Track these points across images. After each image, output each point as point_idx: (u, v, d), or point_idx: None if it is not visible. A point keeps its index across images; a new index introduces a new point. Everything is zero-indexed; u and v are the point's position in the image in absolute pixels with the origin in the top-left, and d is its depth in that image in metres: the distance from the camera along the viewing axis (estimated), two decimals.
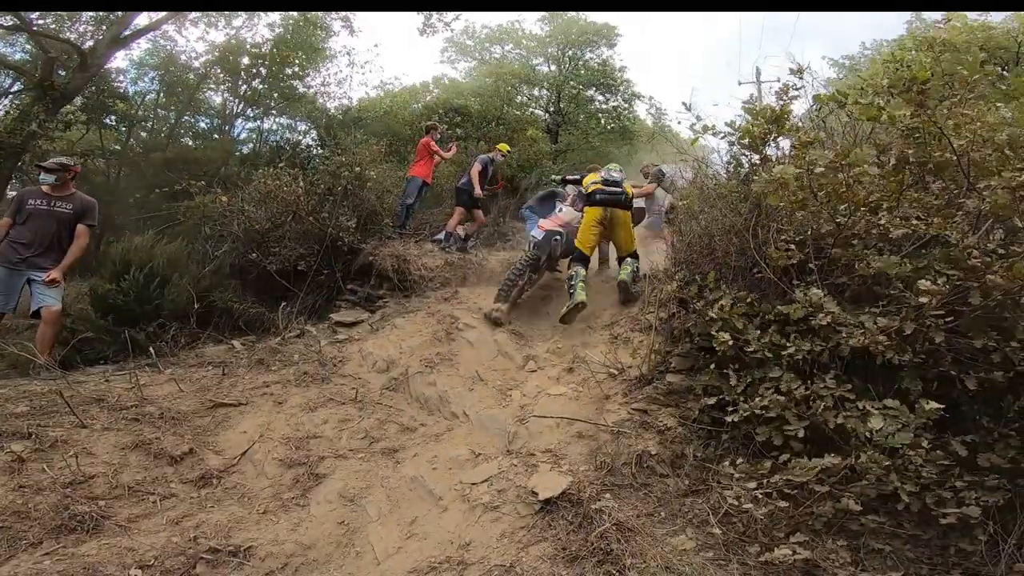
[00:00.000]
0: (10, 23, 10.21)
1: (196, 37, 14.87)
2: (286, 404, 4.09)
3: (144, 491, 3.12)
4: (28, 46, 11.70)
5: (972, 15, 12.59)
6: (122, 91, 12.63)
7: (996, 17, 12.53)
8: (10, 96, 11.90)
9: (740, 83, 17.25)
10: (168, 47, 13.95)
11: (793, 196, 2.55)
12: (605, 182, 5.41)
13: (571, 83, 19.60)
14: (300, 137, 15.03)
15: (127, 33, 11.26)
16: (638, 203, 6.22)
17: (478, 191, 7.71)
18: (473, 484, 2.96)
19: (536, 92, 20.19)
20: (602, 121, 19.16)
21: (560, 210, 6.09)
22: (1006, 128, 2.14)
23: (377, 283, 6.58)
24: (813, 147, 2.57)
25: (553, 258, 5.71)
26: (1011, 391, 2.09)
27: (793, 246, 2.83)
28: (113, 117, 12.40)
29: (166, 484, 3.21)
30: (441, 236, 7.61)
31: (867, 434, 2.02)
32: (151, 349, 4.55)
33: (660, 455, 2.77)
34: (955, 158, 2.25)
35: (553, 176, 8.47)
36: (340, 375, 4.67)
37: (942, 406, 1.99)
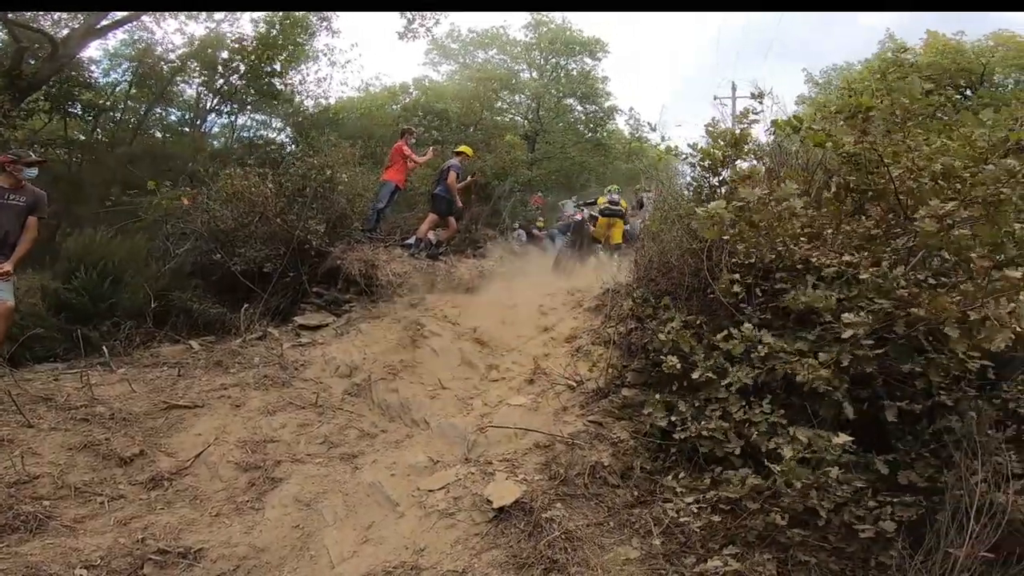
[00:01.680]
0: None
1: (174, 29, 14.53)
2: (244, 407, 4.05)
3: (91, 492, 3.06)
4: (2, 35, 11.27)
5: (949, 34, 13.29)
6: (90, 81, 12.22)
7: (972, 36, 13.25)
8: None
9: (716, 98, 17.59)
10: (145, 38, 13.63)
11: (731, 230, 2.70)
12: (609, 202, 8.67)
13: (552, 91, 19.89)
14: (274, 135, 14.80)
15: (104, 23, 10.94)
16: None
17: (460, 203, 8.09)
18: (430, 491, 3.00)
19: (517, 98, 20.40)
20: (581, 130, 19.45)
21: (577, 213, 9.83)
22: (940, 158, 2.32)
23: (344, 287, 6.54)
24: (749, 181, 2.72)
25: (585, 240, 8.55)
26: (927, 416, 2.27)
27: (740, 272, 2.98)
28: (79, 106, 11.98)
29: (114, 485, 3.15)
30: (411, 241, 7.61)
31: (780, 466, 2.17)
32: (104, 348, 4.43)
33: (612, 467, 2.87)
34: (892, 186, 2.43)
35: (576, 203, 11.20)
36: (301, 379, 4.65)
37: (851, 438, 2.16)
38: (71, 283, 4.85)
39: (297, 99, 14.68)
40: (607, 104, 19.75)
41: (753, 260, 3.00)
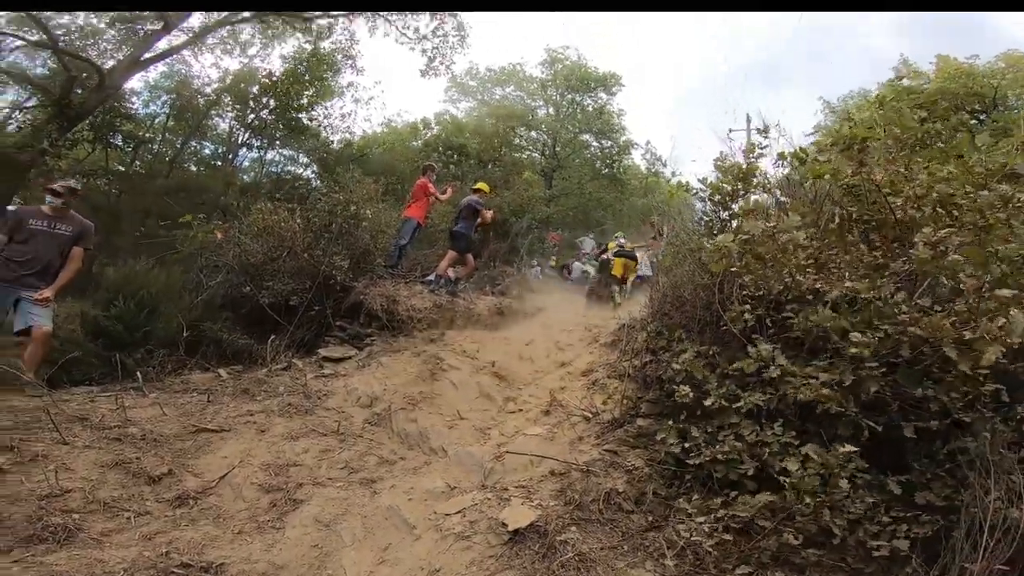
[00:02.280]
0: (36, 38, 10.37)
1: (210, 63, 15.49)
2: (268, 432, 4.16)
3: (119, 507, 3.16)
4: (49, 61, 11.90)
5: (961, 57, 13.31)
6: (132, 112, 12.88)
7: (983, 58, 13.24)
8: (23, 111, 11.98)
9: (731, 131, 17.59)
10: (183, 71, 14.49)
11: (739, 262, 2.80)
12: (618, 246, 10.58)
13: (568, 127, 20.34)
14: (301, 170, 15.39)
15: (148, 56, 11.62)
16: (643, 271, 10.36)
17: (491, 218, 8.73)
18: (447, 515, 3.05)
19: (533, 135, 20.93)
20: (597, 165, 19.73)
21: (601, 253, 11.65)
22: (936, 186, 2.41)
23: (366, 321, 6.70)
24: (752, 214, 2.85)
25: (609, 277, 10.34)
26: (943, 436, 2.30)
27: (751, 303, 3.06)
28: (120, 137, 12.60)
29: (142, 502, 3.25)
30: (431, 278, 7.80)
31: (790, 479, 2.20)
32: (138, 373, 4.63)
33: (627, 493, 2.90)
34: (893, 216, 2.52)
35: (591, 262, 12.42)
36: (324, 408, 4.76)
37: (856, 449, 2.19)
38: (110, 311, 5.10)
39: (323, 134, 15.29)
40: (623, 139, 20.12)
41: (762, 292, 3.09)
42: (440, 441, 4.14)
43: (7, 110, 12.22)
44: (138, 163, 13.91)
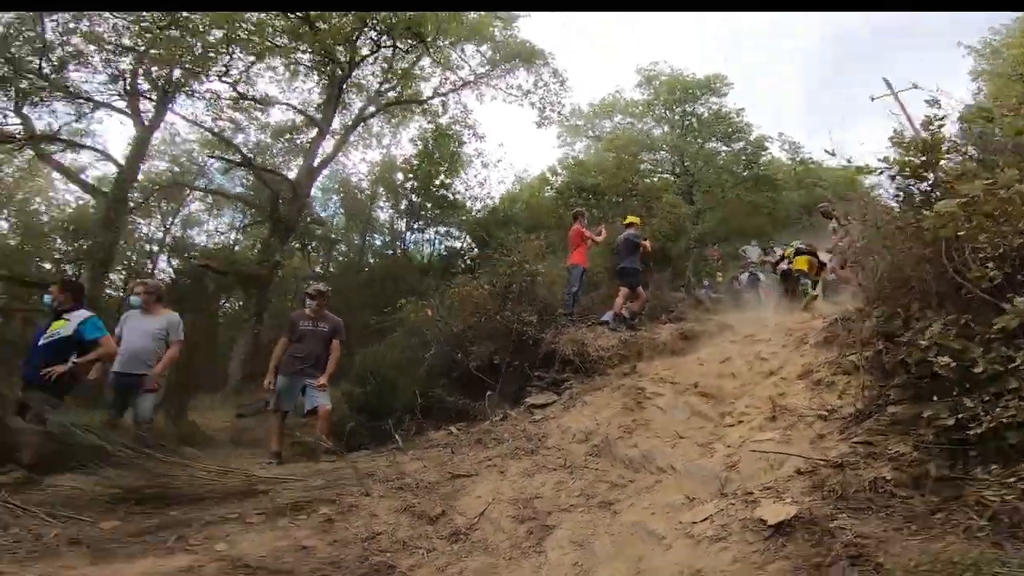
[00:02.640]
0: (234, 157, 12.87)
1: (359, 159, 18.36)
2: (507, 473, 4.66)
3: (414, 545, 3.78)
4: (246, 180, 14.40)
5: None
6: (318, 217, 15.23)
7: None
8: (240, 230, 14.89)
9: (872, 98, 15.14)
10: (340, 171, 17.06)
11: (967, 224, 2.62)
12: (797, 249, 9.85)
13: (689, 139, 19.51)
14: (458, 243, 17.02)
15: (317, 162, 14.01)
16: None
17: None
18: (693, 523, 3.11)
19: (658, 156, 20.40)
20: (734, 169, 18.57)
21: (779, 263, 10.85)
22: None
23: (560, 367, 7.17)
24: (963, 178, 2.66)
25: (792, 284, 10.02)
26: None
27: (992, 262, 2.80)
28: (314, 242, 15.13)
29: (428, 539, 3.84)
30: (608, 317, 8.07)
31: None
32: (396, 436, 5.57)
33: (897, 480, 2.70)
34: None
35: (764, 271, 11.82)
36: (545, 447, 5.17)
37: None
38: (366, 388, 6.28)
39: (467, 204, 16.76)
40: (754, 136, 18.73)
41: (1002, 249, 2.81)
42: (665, 460, 4.23)
43: (224, 231, 15.34)
44: (330, 264, 16.55)
